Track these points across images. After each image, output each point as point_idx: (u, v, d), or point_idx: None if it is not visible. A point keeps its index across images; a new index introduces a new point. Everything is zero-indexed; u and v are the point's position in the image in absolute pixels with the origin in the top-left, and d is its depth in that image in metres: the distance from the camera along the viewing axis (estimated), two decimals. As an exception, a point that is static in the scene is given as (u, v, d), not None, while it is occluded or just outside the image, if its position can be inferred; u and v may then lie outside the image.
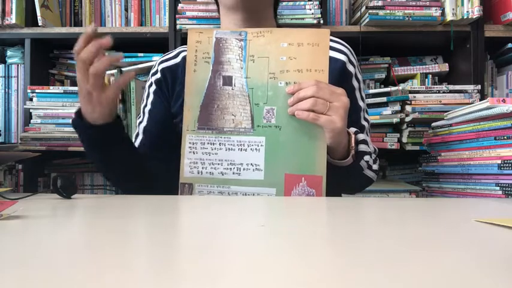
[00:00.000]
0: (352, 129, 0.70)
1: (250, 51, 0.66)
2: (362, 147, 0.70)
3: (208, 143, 0.66)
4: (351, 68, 0.78)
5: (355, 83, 0.79)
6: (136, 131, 0.82)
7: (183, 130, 0.67)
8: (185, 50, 0.79)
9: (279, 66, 0.65)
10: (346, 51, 0.78)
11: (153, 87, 0.82)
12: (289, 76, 0.65)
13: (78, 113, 0.68)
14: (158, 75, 0.82)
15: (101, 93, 0.64)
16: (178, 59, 0.81)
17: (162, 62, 0.83)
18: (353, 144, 0.67)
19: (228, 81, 0.66)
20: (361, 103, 0.79)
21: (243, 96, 0.66)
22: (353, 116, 0.75)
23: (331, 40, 0.76)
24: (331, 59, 0.71)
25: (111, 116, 0.68)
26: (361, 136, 0.71)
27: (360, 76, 0.81)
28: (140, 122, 0.82)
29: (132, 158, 0.74)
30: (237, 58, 0.66)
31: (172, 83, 0.80)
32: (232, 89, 0.66)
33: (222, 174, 0.65)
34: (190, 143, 0.66)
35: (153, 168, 0.76)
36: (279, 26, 0.87)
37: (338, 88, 0.63)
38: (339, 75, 0.75)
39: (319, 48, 0.64)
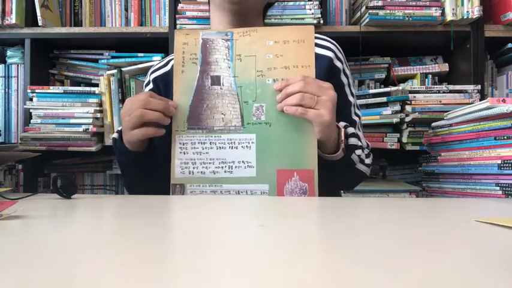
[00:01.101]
0: (342, 124, 0.71)
1: (237, 51, 0.67)
2: (352, 140, 0.70)
3: (198, 143, 0.66)
4: (338, 64, 0.78)
5: (344, 79, 0.79)
6: None
7: (173, 131, 0.67)
8: None
9: (266, 64, 0.66)
10: (332, 48, 0.79)
11: None
12: (277, 73, 0.66)
13: (120, 135, 0.72)
14: (151, 85, 0.83)
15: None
16: (168, 67, 0.82)
17: (153, 72, 0.85)
18: (343, 138, 0.68)
19: (216, 80, 0.67)
20: (351, 98, 0.80)
21: (232, 94, 0.66)
22: (344, 112, 0.76)
23: (317, 38, 0.77)
24: (318, 56, 0.71)
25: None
26: (350, 130, 0.71)
27: (348, 72, 0.81)
28: None
29: (155, 169, 0.77)
30: (224, 58, 0.67)
31: (165, 91, 0.81)
32: (220, 88, 0.67)
33: (214, 173, 0.65)
34: (180, 143, 0.66)
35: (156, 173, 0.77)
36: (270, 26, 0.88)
37: (325, 82, 0.64)
38: (326, 71, 0.75)
39: (304, 44, 0.66)
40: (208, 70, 0.67)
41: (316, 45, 0.71)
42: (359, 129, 0.79)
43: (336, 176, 0.70)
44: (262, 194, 0.64)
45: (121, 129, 0.72)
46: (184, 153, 0.66)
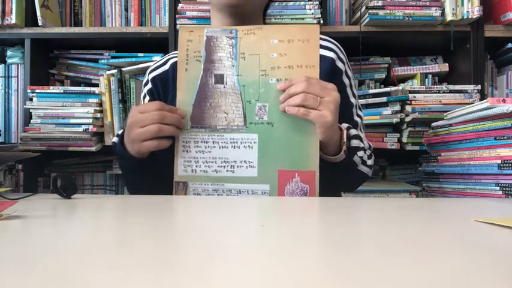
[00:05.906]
0: (344, 125, 0.71)
1: (241, 49, 0.67)
2: (354, 142, 0.70)
3: (201, 141, 0.66)
4: (340, 65, 0.78)
5: (345, 80, 0.79)
6: None
7: None
8: (174, 57, 0.81)
9: (270, 63, 0.66)
10: (334, 49, 0.78)
11: (147, 98, 0.83)
12: (280, 73, 0.66)
13: (120, 139, 0.71)
14: (149, 85, 0.83)
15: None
16: (167, 66, 0.82)
17: (151, 71, 0.84)
18: (345, 140, 0.67)
19: (219, 79, 0.67)
20: (353, 100, 0.80)
21: (235, 93, 0.66)
22: (346, 113, 0.76)
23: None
24: (320, 57, 0.71)
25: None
26: (353, 131, 0.71)
27: (350, 73, 0.81)
28: None
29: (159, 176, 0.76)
30: (228, 56, 0.67)
31: (163, 90, 0.80)
32: (224, 87, 0.67)
33: (216, 172, 0.65)
34: (183, 141, 0.67)
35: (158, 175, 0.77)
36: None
37: (329, 83, 0.64)
38: (328, 73, 0.75)
39: (309, 44, 0.65)
40: (212, 68, 0.67)
41: None
42: (361, 131, 0.79)
43: (338, 178, 0.69)
44: (263, 194, 0.64)
45: (122, 134, 0.71)
46: (187, 152, 0.66)
